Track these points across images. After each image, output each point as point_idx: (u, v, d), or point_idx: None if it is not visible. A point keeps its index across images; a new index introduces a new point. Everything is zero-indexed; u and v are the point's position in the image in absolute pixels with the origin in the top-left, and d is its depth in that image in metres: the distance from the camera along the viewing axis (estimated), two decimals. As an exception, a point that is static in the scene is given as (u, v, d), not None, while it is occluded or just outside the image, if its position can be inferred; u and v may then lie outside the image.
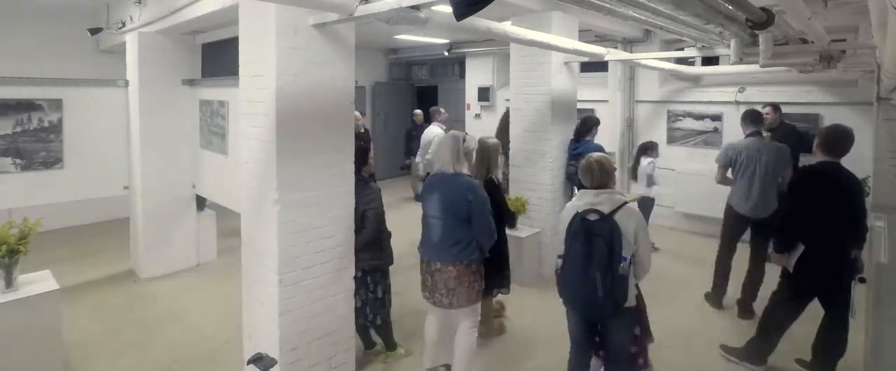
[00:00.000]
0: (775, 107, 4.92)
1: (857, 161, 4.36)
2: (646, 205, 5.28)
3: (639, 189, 5.43)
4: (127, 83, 5.12)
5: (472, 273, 2.75)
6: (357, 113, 3.91)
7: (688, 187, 6.22)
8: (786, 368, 3.18)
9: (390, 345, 3.31)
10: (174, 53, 4.91)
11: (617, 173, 3.99)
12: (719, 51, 4.18)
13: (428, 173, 3.30)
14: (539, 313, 3.87)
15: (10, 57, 5.83)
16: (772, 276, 3.27)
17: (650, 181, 5.37)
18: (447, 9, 1.89)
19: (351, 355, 3.03)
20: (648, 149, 5.51)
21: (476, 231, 2.70)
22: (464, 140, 2.83)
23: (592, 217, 2.29)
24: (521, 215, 4.42)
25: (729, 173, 3.98)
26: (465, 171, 2.81)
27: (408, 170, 8.36)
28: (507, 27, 3.75)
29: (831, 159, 2.84)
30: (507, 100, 6.42)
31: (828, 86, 5.40)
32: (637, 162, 5.52)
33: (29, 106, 6.06)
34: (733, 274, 4.04)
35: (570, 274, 2.35)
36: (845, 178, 2.82)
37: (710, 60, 5.92)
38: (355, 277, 3.01)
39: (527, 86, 4.79)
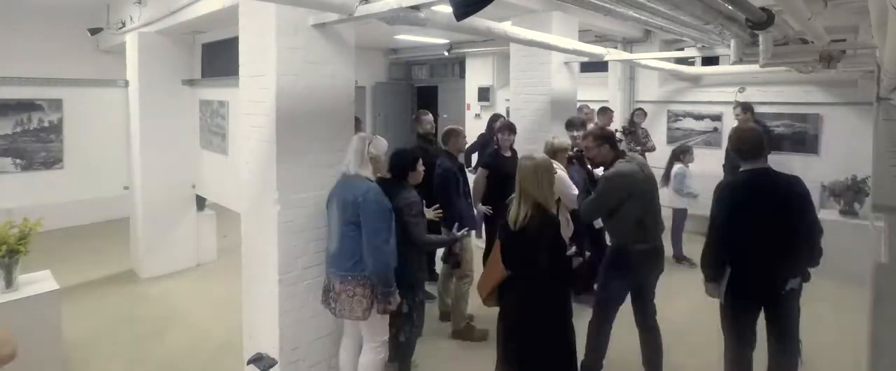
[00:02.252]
0: (745, 107, 5.06)
1: (858, 161, 4.40)
2: (677, 216, 5.07)
3: (670, 199, 5.06)
4: (127, 83, 5.12)
5: (363, 286, 2.49)
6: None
7: (688, 187, 6.22)
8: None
9: (405, 368, 3.05)
10: (174, 53, 4.91)
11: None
12: (719, 51, 4.18)
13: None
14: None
15: (10, 57, 5.83)
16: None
17: (680, 190, 5.04)
18: (447, 9, 1.89)
19: (351, 355, 3.03)
20: (681, 153, 5.19)
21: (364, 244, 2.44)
22: (370, 142, 2.61)
23: None
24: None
25: None
26: (370, 175, 2.58)
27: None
28: (507, 27, 3.76)
29: (758, 165, 2.45)
30: (508, 100, 6.42)
31: (828, 86, 5.40)
32: (670, 168, 5.21)
33: (29, 106, 6.07)
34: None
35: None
36: (785, 184, 2.44)
37: (710, 60, 5.92)
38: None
39: (527, 86, 4.79)
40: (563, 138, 3.72)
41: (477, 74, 8.68)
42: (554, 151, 3.61)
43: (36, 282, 3.06)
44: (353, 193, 2.48)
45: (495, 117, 5.50)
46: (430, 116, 4.37)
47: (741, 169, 2.50)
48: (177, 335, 3.70)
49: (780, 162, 5.00)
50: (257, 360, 2.53)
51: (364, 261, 2.45)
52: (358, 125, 3.19)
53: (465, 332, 3.60)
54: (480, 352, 3.44)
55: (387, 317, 2.64)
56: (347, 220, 2.48)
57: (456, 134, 3.66)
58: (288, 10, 2.58)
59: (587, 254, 3.66)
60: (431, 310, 3.72)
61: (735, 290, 2.48)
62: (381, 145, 2.66)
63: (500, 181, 3.84)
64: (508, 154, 4.11)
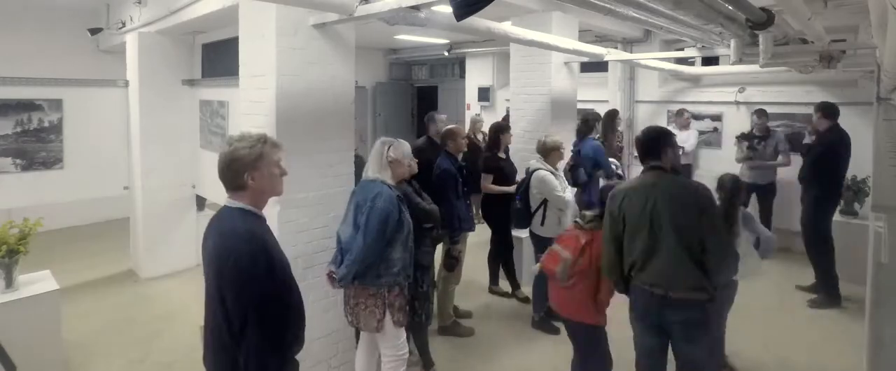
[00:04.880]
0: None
1: (858, 161, 4.39)
2: None
3: None
4: (127, 83, 5.12)
5: (374, 297, 2.46)
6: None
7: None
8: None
9: (427, 362, 3.12)
10: (174, 53, 4.91)
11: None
12: (719, 51, 4.18)
13: None
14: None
15: (10, 57, 5.83)
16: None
17: None
18: (447, 9, 1.89)
19: (351, 356, 3.03)
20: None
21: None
22: (389, 146, 2.56)
23: None
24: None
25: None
26: (388, 179, 2.52)
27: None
28: (507, 27, 3.75)
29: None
30: (508, 100, 6.42)
31: (828, 86, 5.39)
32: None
33: (29, 106, 6.08)
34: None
35: None
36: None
37: (710, 60, 5.91)
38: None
39: (527, 86, 4.78)
40: (555, 137, 3.73)
41: (477, 74, 8.68)
42: (546, 150, 3.64)
43: (36, 282, 3.06)
44: (364, 196, 2.46)
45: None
46: (444, 117, 4.41)
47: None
48: (177, 335, 3.70)
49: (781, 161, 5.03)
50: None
51: (373, 269, 2.43)
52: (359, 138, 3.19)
53: (452, 329, 3.66)
54: (480, 352, 3.44)
55: (402, 329, 2.57)
56: (358, 224, 2.44)
57: (455, 134, 3.66)
58: (288, 10, 2.58)
59: None
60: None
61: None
62: (402, 149, 2.59)
63: (500, 184, 4.03)
64: (504, 155, 4.13)
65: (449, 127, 3.79)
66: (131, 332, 3.76)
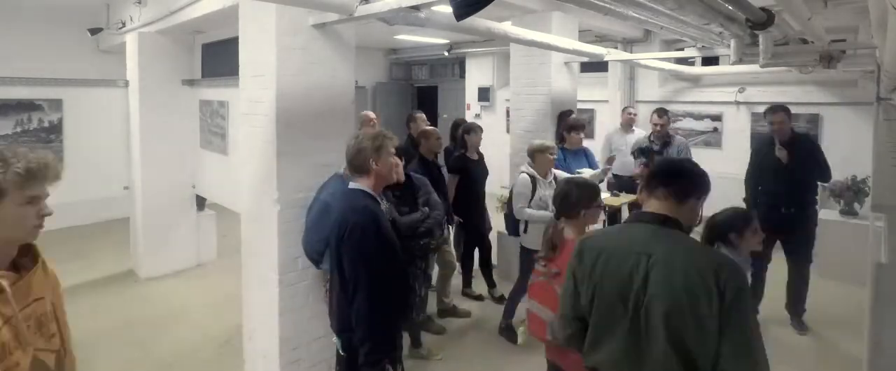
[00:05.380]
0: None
1: (858, 161, 4.40)
2: None
3: None
4: (127, 83, 5.12)
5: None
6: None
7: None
8: None
9: (416, 341, 3.30)
10: (174, 53, 4.91)
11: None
12: (719, 51, 4.18)
13: None
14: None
15: (10, 57, 5.83)
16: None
17: None
18: (447, 9, 1.89)
19: (351, 355, 3.03)
20: None
21: None
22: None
23: None
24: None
25: None
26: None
27: None
28: (507, 27, 3.75)
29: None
30: (507, 100, 6.43)
31: (828, 86, 5.40)
32: None
33: (29, 106, 6.08)
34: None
35: None
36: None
37: (710, 60, 5.91)
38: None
39: (527, 86, 4.78)
40: (545, 140, 3.55)
41: (477, 74, 8.68)
42: (531, 152, 3.40)
43: (36, 282, 3.05)
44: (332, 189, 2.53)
45: (457, 124, 4.59)
46: (423, 116, 4.39)
47: None
48: (177, 335, 3.70)
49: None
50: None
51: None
52: None
53: (450, 311, 3.85)
54: (482, 349, 3.44)
55: None
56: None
57: (426, 135, 3.60)
58: (288, 10, 2.58)
59: None
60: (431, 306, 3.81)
61: None
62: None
63: (468, 185, 3.92)
64: (476, 157, 4.10)
65: (422, 128, 3.75)
66: (131, 332, 3.76)
